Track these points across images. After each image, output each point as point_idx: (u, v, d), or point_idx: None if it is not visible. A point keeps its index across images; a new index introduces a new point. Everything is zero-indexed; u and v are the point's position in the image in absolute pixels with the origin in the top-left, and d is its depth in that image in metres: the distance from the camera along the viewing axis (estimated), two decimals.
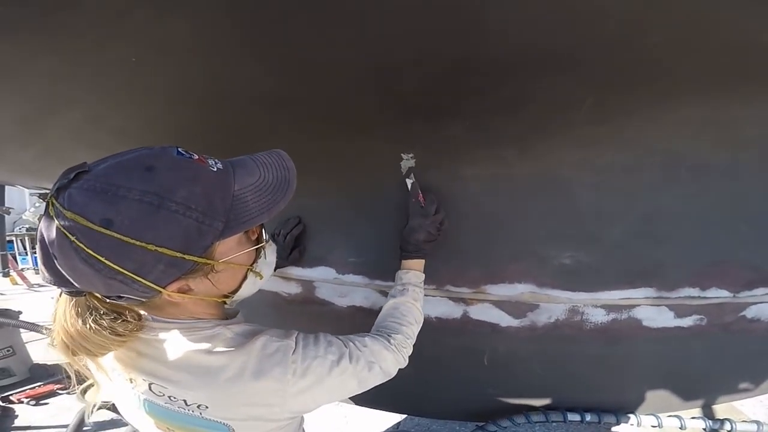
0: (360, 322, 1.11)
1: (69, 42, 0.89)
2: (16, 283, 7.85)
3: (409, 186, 1.13)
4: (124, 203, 0.56)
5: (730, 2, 0.75)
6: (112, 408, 2.15)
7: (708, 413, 1.76)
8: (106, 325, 0.65)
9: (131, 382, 0.73)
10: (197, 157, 0.64)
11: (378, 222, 1.29)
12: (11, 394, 3.14)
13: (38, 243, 0.60)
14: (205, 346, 0.71)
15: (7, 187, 6.87)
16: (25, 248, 9.53)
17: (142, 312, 0.73)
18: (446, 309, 1.26)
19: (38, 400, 3.09)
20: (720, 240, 1.14)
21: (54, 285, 0.62)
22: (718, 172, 1.09)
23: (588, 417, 1.37)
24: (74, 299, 0.65)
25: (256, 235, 0.77)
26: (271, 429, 0.77)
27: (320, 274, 1.40)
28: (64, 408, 2.99)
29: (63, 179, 0.58)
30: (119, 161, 0.60)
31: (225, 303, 0.78)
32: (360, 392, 0.83)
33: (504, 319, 1.23)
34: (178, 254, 0.60)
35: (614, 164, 1.08)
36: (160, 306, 0.72)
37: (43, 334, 2.80)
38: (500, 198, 1.14)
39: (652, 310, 1.18)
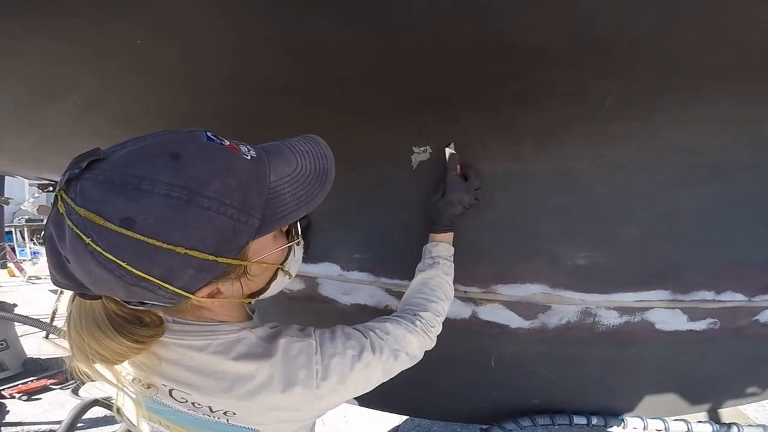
0: (364, 320, 1.08)
1: (69, 20, 0.85)
2: (14, 275, 7.80)
3: (448, 156, 1.07)
4: (148, 199, 0.49)
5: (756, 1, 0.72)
6: (106, 405, 2.12)
7: (714, 417, 1.74)
8: (125, 331, 0.59)
9: (149, 388, 0.68)
10: (228, 142, 0.57)
11: (384, 218, 1.26)
12: (3, 389, 3.11)
13: (46, 243, 0.53)
14: (232, 352, 0.66)
15: (6, 178, 6.82)
16: (23, 239, 9.49)
17: (162, 314, 0.67)
18: (454, 309, 1.22)
19: (30, 395, 3.06)
20: (738, 242, 1.11)
21: (67, 289, 0.55)
22: (738, 172, 1.06)
23: (594, 420, 1.35)
24: (90, 303, 0.58)
25: (288, 231, 0.72)
26: (297, 429, 0.74)
27: (324, 271, 1.36)
28: (56, 404, 2.95)
29: (73, 168, 0.50)
30: (140, 147, 0.52)
31: (249, 303, 0.73)
32: (385, 380, 0.80)
33: (514, 321, 1.20)
34: (211, 257, 0.53)
35: (633, 162, 1.05)
36: (182, 309, 0.66)
37: (38, 328, 2.76)
38: (514, 195, 1.11)
39: (665, 313, 1.16)
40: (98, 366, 0.62)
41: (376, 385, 0.78)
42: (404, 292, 1.05)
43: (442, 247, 1.06)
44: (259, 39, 0.85)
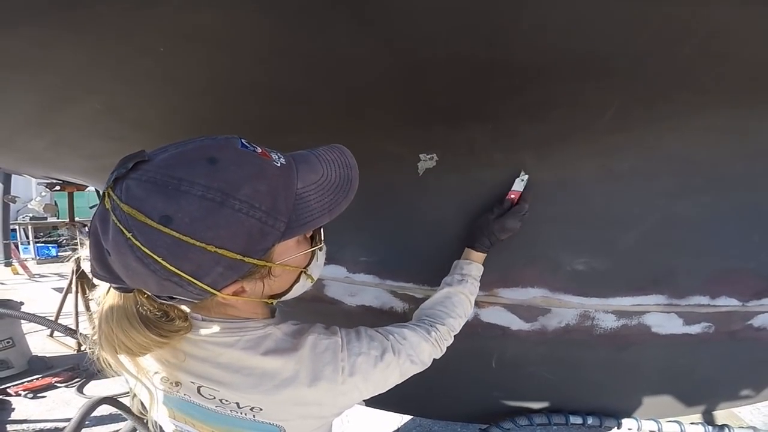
0: (369, 321, 1.12)
1: (95, 31, 0.89)
2: (18, 273, 7.83)
3: (523, 185, 1.10)
4: (185, 199, 0.52)
5: (752, 19, 0.76)
6: (112, 402, 2.14)
7: (708, 418, 1.78)
8: (152, 324, 0.63)
9: (176, 385, 0.71)
10: (260, 150, 0.61)
11: (390, 222, 1.30)
12: (9, 387, 3.13)
13: (90, 236, 0.57)
14: (260, 347, 0.69)
15: (13, 176, 6.85)
16: (27, 238, 9.50)
17: (187, 310, 0.70)
18: None
19: (36, 393, 3.08)
20: (732, 249, 1.15)
21: (103, 281, 0.59)
22: (734, 181, 1.11)
23: (590, 420, 1.38)
24: (122, 296, 0.62)
25: (312, 236, 0.74)
26: (319, 426, 0.76)
27: (331, 273, 1.40)
28: (61, 402, 2.97)
29: (120, 168, 0.54)
30: (181, 151, 0.56)
31: (271, 303, 0.75)
32: (399, 383, 0.82)
33: (515, 323, 1.24)
34: (238, 256, 0.56)
35: (632, 171, 1.09)
36: (208, 306, 0.69)
37: (44, 325, 2.79)
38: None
39: (661, 317, 1.20)
40: (123, 358, 0.66)
41: (392, 386, 0.81)
42: (409, 295, 1.07)
43: (474, 267, 1.09)
44: (277, 50, 0.88)
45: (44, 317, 2.67)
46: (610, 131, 1.03)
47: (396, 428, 2.42)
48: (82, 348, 3.79)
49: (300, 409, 0.70)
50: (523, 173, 1.10)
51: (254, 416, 0.69)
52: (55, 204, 8.61)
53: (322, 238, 0.75)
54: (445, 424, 2.46)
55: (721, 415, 1.89)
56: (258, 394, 0.68)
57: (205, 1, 0.78)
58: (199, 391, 0.69)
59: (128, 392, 2.53)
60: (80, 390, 3.07)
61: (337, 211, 0.65)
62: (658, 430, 1.38)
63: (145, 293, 0.62)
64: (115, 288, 0.61)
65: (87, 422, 2.14)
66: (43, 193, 4.44)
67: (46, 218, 9.50)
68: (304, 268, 0.71)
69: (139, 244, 0.52)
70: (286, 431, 0.71)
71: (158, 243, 0.52)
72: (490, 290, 1.21)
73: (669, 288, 1.16)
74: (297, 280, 0.72)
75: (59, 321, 3.67)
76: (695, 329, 1.22)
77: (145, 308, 0.63)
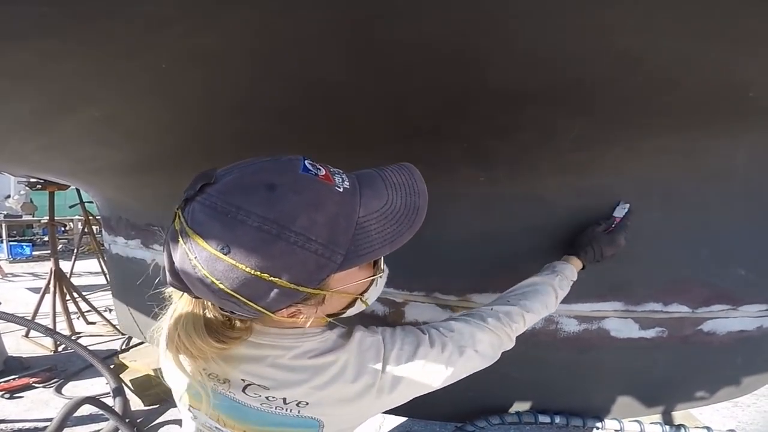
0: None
1: (105, 47, 0.94)
2: None
3: (623, 212, 1.19)
4: (241, 229, 0.53)
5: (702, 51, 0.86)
6: (94, 402, 2.16)
7: (666, 419, 1.89)
8: (214, 330, 0.64)
9: (223, 382, 0.70)
10: (324, 172, 0.59)
11: None
12: None
13: (165, 248, 0.59)
14: (315, 350, 0.70)
15: None
16: (0, 237, 9.19)
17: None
18: (433, 314, 1.35)
19: (12, 393, 3.04)
20: (683, 260, 1.27)
21: (175, 288, 0.62)
22: (685, 199, 1.22)
23: (557, 419, 1.48)
24: (193, 301, 0.64)
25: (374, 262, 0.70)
26: (356, 422, 0.75)
27: None
28: (40, 402, 2.94)
29: (190, 190, 0.56)
30: (242, 175, 0.57)
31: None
32: (453, 380, 0.77)
33: None
34: (293, 286, 0.56)
35: (593, 189, 1.19)
36: (264, 320, 0.68)
37: (21, 325, 2.78)
38: (489, 215, 1.24)
39: (619, 322, 1.30)
40: (182, 357, 0.67)
41: (442, 384, 0.76)
42: (390, 299, 1.12)
43: (569, 268, 1.09)
44: (276, 73, 0.96)
45: (23, 317, 2.66)
46: (573, 151, 1.13)
47: (377, 428, 2.48)
48: (59, 348, 3.76)
49: (342, 404, 0.70)
50: (623, 203, 1.20)
51: (299, 411, 0.69)
52: (32, 202, 8.46)
53: (382, 266, 0.71)
54: (425, 424, 2.52)
55: (678, 416, 2.00)
56: (308, 388, 0.68)
57: (209, 27, 0.85)
58: (244, 390, 0.69)
59: (109, 393, 2.55)
60: (58, 390, 3.04)
61: (399, 242, 0.62)
62: (621, 428, 1.49)
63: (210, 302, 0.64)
64: (187, 292, 0.62)
65: (67, 422, 2.15)
66: (22, 192, 4.39)
67: (20, 216, 9.29)
68: (361, 294, 0.69)
69: (201, 266, 0.54)
70: (324, 426, 0.71)
71: (217, 268, 0.54)
72: (463, 295, 1.30)
73: (625, 295, 1.27)
74: (352, 304, 0.70)
75: (36, 321, 3.64)
76: (650, 334, 1.32)
77: (211, 313, 0.65)
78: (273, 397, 0.69)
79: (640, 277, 1.27)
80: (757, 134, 1.12)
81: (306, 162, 0.59)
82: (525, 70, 0.90)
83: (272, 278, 0.55)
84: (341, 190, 0.59)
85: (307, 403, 0.68)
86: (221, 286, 0.55)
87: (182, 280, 0.59)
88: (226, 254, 0.54)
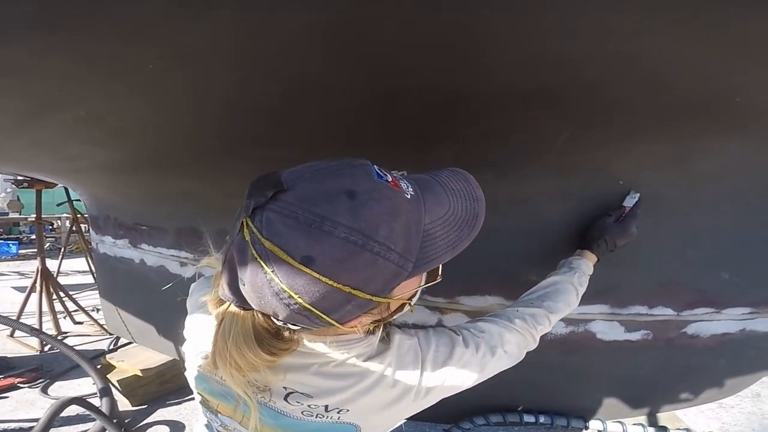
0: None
1: (93, 46, 0.93)
2: None
3: (633, 201, 1.20)
4: (329, 241, 0.51)
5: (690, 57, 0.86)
6: (80, 402, 2.14)
7: (652, 421, 1.91)
8: (265, 343, 0.61)
9: (263, 390, 0.69)
10: (391, 179, 0.58)
11: None
12: None
13: (227, 262, 0.57)
14: (361, 357, 0.69)
15: None
16: None
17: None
18: (422, 316, 1.36)
19: None
20: (668, 264, 1.28)
21: (229, 301, 0.60)
22: (672, 203, 1.23)
23: (542, 419, 1.49)
24: (242, 313, 0.61)
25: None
26: (393, 426, 0.75)
27: None
28: (25, 402, 2.91)
29: (258, 197, 0.53)
30: (319, 182, 0.54)
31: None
32: (482, 380, 0.78)
33: None
34: (369, 296, 0.55)
35: (581, 192, 1.21)
36: (315, 329, 0.65)
37: (5, 325, 2.75)
38: None
39: (605, 325, 1.32)
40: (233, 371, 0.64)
41: (473, 384, 0.76)
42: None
43: (584, 263, 1.10)
44: (262, 73, 0.96)
45: (7, 317, 2.63)
46: (562, 155, 1.14)
47: None
48: (45, 348, 3.72)
49: (382, 409, 0.69)
50: (633, 192, 1.21)
51: (339, 417, 0.68)
52: (18, 200, 8.35)
53: (439, 271, 0.69)
54: (414, 425, 2.53)
55: (663, 417, 2.03)
56: (351, 394, 0.67)
57: (197, 27, 0.85)
58: (286, 398, 0.68)
59: (96, 393, 2.52)
60: (44, 391, 3.01)
61: (460, 248, 0.62)
62: (604, 429, 1.50)
63: (262, 313, 0.60)
64: (236, 306, 0.60)
65: (54, 423, 2.14)
66: (8, 189, 4.33)
67: (7, 214, 9.18)
68: (409, 299, 0.67)
69: (277, 280, 0.52)
70: (361, 430, 0.70)
71: (297, 281, 0.52)
72: (452, 297, 1.31)
73: (612, 298, 1.29)
74: (401, 309, 0.69)
75: (21, 321, 3.60)
76: (635, 336, 1.34)
77: (262, 326, 0.62)
78: (315, 405, 0.67)
79: (626, 280, 1.28)
80: (744, 140, 1.13)
81: (375, 168, 0.58)
82: (515, 73, 0.91)
83: (353, 291, 0.53)
84: (409, 197, 0.58)
85: (348, 410, 0.68)
86: (299, 300, 0.53)
87: (241, 295, 0.57)
88: (308, 266, 0.51)
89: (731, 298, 1.33)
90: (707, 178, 1.21)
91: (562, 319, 1.28)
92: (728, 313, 1.34)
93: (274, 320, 0.59)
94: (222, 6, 0.77)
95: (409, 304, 0.67)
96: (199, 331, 0.75)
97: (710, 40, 0.79)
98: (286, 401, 0.68)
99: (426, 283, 0.67)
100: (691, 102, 0.99)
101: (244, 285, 0.55)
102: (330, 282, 0.52)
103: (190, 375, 0.78)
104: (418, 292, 0.68)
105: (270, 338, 0.62)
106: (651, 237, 1.24)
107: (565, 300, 1.00)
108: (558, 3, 0.73)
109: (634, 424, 1.55)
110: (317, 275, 0.51)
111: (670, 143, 1.14)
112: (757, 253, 1.29)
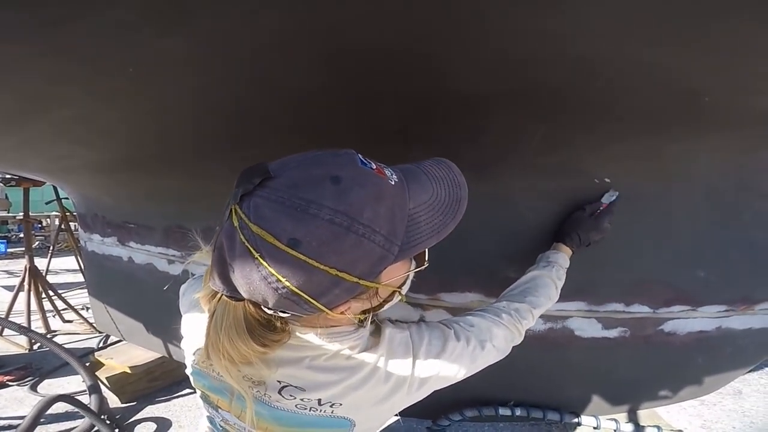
0: None
1: (75, 48, 0.95)
2: None
3: (611, 199, 1.23)
4: (314, 223, 0.52)
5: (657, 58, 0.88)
6: (67, 400, 2.14)
7: (632, 418, 1.94)
8: (257, 334, 0.62)
9: (258, 384, 0.70)
10: (375, 166, 0.60)
11: None
12: None
13: (216, 250, 0.58)
14: (354, 350, 0.70)
15: None
16: None
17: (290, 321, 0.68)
18: (405, 313, 1.38)
19: None
20: (645, 262, 1.31)
21: (220, 291, 0.60)
22: (647, 202, 1.26)
23: (518, 411, 1.51)
24: (233, 304, 0.62)
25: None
26: (386, 420, 0.76)
27: None
28: (14, 400, 2.91)
29: (246, 184, 0.54)
30: (304, 169, 0.56)
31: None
32: (472, 373, 0.80)
33: None
34: (355, 279, 0.56)
35: (557, 191, 1.23)
36: (303, 320, 0.67)
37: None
38: None
39: (583, 322, 1.34)
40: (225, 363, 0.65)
41: (463, 377, 0.78)
42: None
43: (561, 256, 1.13)
44: (243, 77, 0.98)
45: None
46: (538, 154, 1.16)
47: None
48: (35, 347, 3.71)
49: (375, 403, 0.71)
50: (612, 190, 1.23)
51: (332, 411, 0.69)
52: (6, 198, 8.29)
53: (426, 258, 0.71)
54: (402, 420, 2.56)
55: (643, 415, 2.06)
56: (343, 388, 0.68)
57: (177, 31, 0.86)
58: (280, 392, 0.69)
59: (85, 390, 2.53)
60: (33, 388, 3.01)
61: (444, 232, 0.64)
62: (577, 423, 1.53)
63: (254, 303, 0.61)
64: (228, 297, 0.61)
65: (42, 420, 2.14)
66: None
67: None
68: (399, 287, 0.68)
69: (266, 264, 0.53)
70: (356, 425, 0.71)
71: (284, 265, 0.53)
72: (433, 294, 1.33)
73: (589, 295, 1.31)
74: (390, 299, 0.70)
75: (10, 319, 3.59)
76: (613, 333, 1.37)
77: (253, 317, 0.62)
78: (308, 399, 0.69)
79: (603, 277, 1.31)
80: (715, 139, 1.15)
81: (359, 156, 0.60)
82: (489, 74, 0.93)
83: (339, 273, 0.54)
84: (393, 183, 0.59)
85: (341, 404, 0.69)
86: (287, 283, 0.54)
87: (231, 283, 0.58)
88: (295, 249, 0.52)
89: (707, 296, 1.35)
90: (682, 177, 1.24)
91: (540, 316, 1.32)
92: (704, 311, 1.36)
93: (265, 309, 0.60)
94: (196, 15, 0.78)
95: (399, 292, 0.68)
96: (196, 329, 0.76)
97: (673, 40, 0.81)
98: (281, 395, 0.69)
99: (414, 269, 0.68)
100: (661, 102, 1.01)
101: (233, 272, 0.56)
102: (316, 264, 0.53)
103: (190, 372, 0.80)
104: (408, 280, 0.69)
105: (261, 329, 0.63)
106: (628, 235, 1.27)
107: (545, 294, 1.03)
108: (527, 5, 0.75)
109: (607, 419, 1.57)
110: (304, 257, 0.52)
111: (643, 142, 1.16)
112: (733, 251, 1.32)
